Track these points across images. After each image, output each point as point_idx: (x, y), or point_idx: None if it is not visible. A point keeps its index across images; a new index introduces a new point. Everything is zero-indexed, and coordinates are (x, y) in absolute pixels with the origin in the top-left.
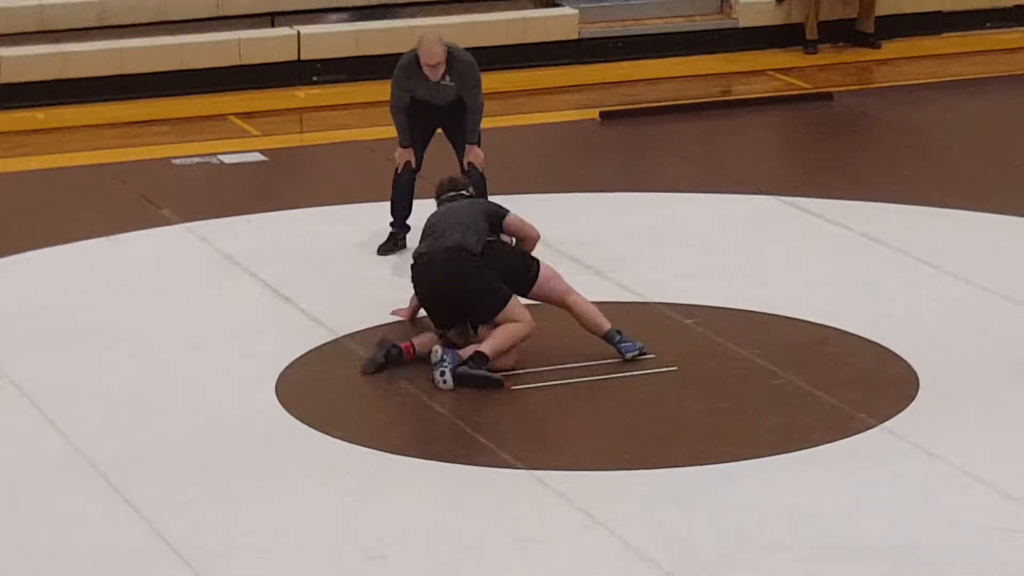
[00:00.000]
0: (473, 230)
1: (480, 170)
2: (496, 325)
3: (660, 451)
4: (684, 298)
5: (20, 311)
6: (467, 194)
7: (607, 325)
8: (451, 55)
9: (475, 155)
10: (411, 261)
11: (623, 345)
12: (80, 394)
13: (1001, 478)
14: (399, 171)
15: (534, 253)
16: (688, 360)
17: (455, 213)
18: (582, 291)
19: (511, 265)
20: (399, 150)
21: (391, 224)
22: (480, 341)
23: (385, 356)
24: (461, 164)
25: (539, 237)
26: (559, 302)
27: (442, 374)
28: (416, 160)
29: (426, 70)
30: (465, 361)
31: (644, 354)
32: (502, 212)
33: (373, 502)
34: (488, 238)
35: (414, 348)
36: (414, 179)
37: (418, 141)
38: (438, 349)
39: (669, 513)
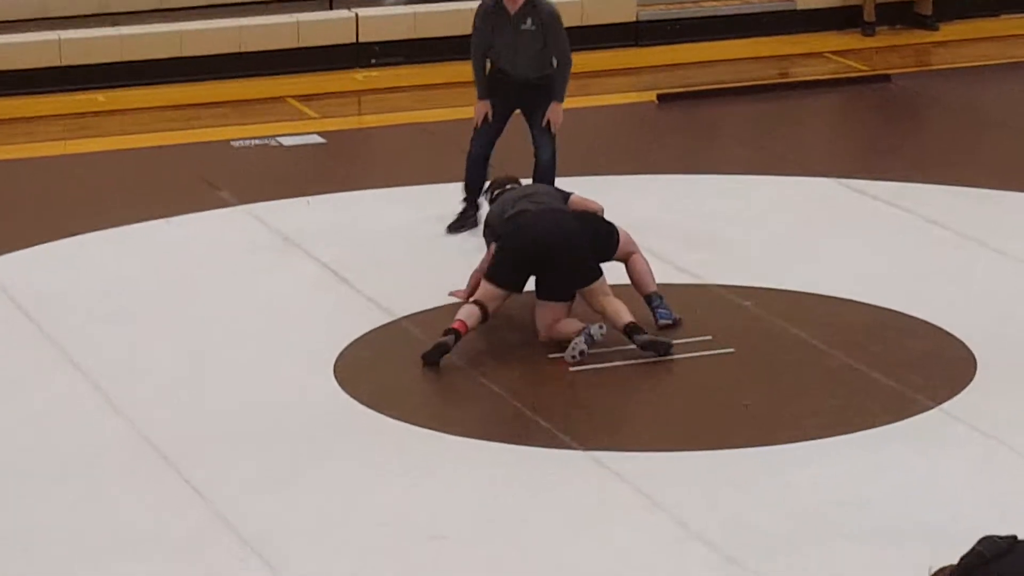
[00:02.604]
0: (561, 202)
1: (554, 132)
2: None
3: (718, 433)
4: (741, 280)
5: (80, 292)
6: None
7: (653, 288)
8: (535, 1)
9: (555, 113)
10: (484, 228)
11: (660, 311)
12: (139, 374)
13: None
14: (477, 126)
15: None
16: (745, 342)
17: (536, 188)
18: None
19: (600, 231)
20: (477, 104)
21: (463, 200)
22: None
23: (455, 341)
24: (536, 148)
25: (603, 210)
26: (625, 258)
27: (575, 345)
28: (489, 144)
29: (509, 1)
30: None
31: (677, 323)
32: (566, 192)
33: (431, 483)
34: None
35: (466, 325)
36: (488, 157)
37: (494, 124)
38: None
39: (727, 495)
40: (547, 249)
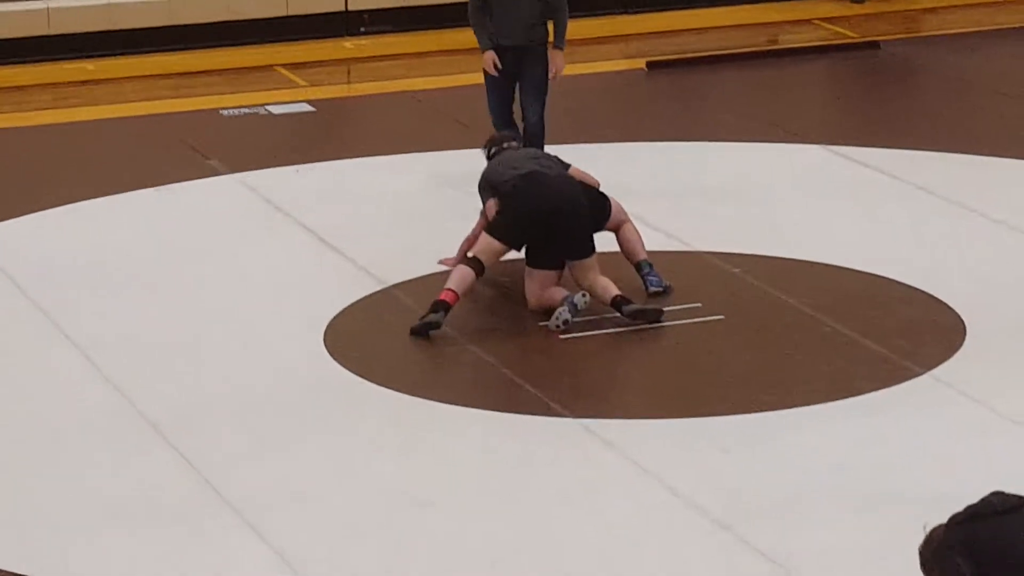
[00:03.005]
0: (564, 170)
1: (554, 77)
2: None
3: (708, 399)
4: (731, 247)
5: (70, 261)
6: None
7: (643, 255)
8: None
9: (558, 58)
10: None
11: (650, 278)
12: (129, 343)
13: None
14: (493, 73)
15: None
16: (735, 309)
17: (540, 153)
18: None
19: (595, 202)
20: (484, 54)
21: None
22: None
23: (444, 316)
24: (524, 111)
25: (599, 184)
26: (616, 227)
27: (559, 315)
28: (508, 112)
29: None
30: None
31: (667, 291)
32: (565, 163)
33: (421, 451)
34: None
35: (456, 294)
36: (512, 122)
37: (504, 92)
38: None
39: (717, 461)
40: (556, 212)
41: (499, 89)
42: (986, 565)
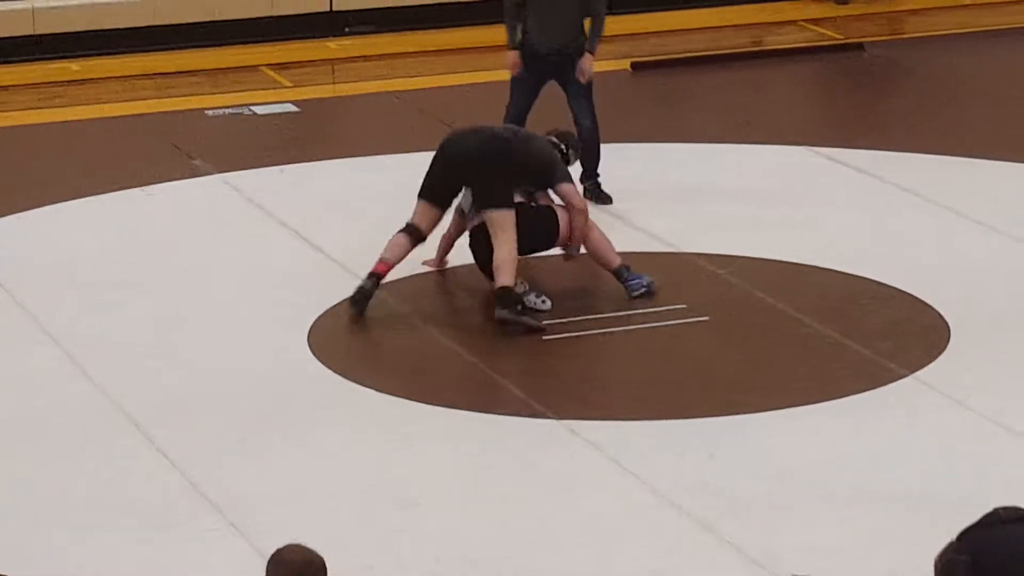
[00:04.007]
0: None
1: (584, 82)
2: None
3: (692, 400)
4: (716, 248)
5: (53, 261)
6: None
7: (616, 262)
8: None
9: (588, 63)
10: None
11: (630, 283)
12: (112, 343)
13: None
14: (514, 74)
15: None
16: (720, 310)
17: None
18: (614, 240)
19: (540, 217)
20: (508, 53)
21: None
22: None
23: (374, 285)
24: (576, 116)
25: (586, 211)
26: (583, 241)
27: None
28: (522, 119)
29: None
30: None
31: (651, 291)
32: (561, 176)
33: (405, 451)
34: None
35: (389, 264)
36: (522, 119)
37: (526, 99)
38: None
39: (700, 462)
40: (464, 162)
41: (524, 91)
42: (991, 572)
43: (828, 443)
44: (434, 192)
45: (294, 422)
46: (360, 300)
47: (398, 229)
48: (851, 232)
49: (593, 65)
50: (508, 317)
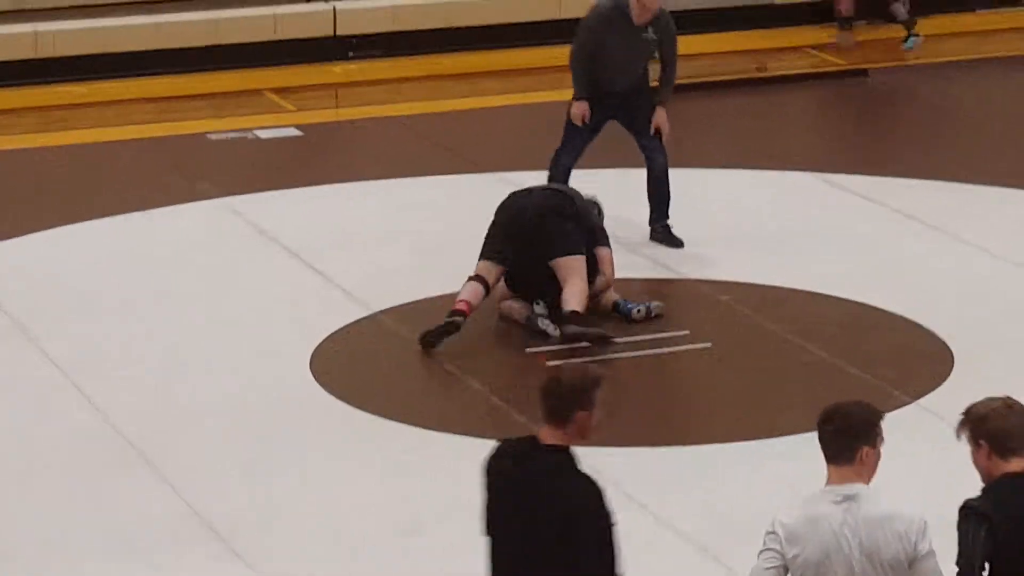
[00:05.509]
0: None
1: (663, 136)
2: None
3: (694, 427)
4: (719, 274)
5: (56, 284)
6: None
7: (614, 298)
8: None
9: (663, 117)
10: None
11: (628, 307)
12: (114, 367)
13: None
14: (583, 121)
15: None
16: (722, 336)
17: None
18: (616, 265)
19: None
20: (575, 103)
21: None
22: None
23: (462, 321)
24: (648, 154)
25: (611, 283)
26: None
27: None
28: (578, 156)
29: (638, 13)
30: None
31: (654, 312)
32: (603, 239)
33: (408, 478)
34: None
35: (470, 304)
36: (571, 169)
37: (587, 135)
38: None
39: (704, 489)
40: (521, 219)
41: (579, 140)
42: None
43: None
44: (495, 249)
45: (297, 449)
46: (437, 337)
47: (467, 277)
48: (854, 258)
49: (666, 120)
50: (577, 331)
